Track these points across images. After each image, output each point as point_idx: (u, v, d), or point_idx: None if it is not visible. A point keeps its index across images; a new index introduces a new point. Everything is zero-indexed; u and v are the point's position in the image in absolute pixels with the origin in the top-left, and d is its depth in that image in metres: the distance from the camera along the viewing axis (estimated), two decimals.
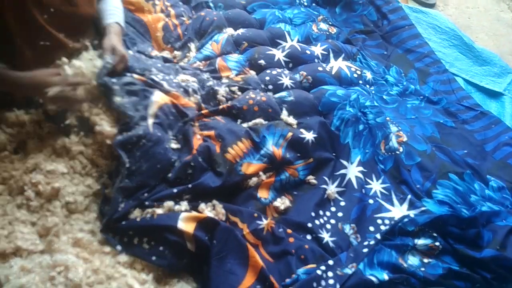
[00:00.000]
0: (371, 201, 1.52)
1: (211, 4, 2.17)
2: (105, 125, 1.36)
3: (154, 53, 1.80)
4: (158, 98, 1.47)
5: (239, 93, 1.72)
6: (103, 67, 1.43)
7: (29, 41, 1.36)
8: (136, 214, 1.28)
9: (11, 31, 1.32)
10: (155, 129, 1.39)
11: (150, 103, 1.44)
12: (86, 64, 1.41)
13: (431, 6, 3.02)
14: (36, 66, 1.32)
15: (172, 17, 1.98)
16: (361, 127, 1.68)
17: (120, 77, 1.47)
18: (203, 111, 1.62)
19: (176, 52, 1.91)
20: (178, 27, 1.96)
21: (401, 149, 1.65)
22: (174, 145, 1.44)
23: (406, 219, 1.44)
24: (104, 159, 1.40)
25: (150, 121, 1.40)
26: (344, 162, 1.61)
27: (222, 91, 1.69)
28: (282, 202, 1.44)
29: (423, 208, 1.50)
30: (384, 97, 1.94)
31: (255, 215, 1.35)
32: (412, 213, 1.48)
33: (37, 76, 1.28)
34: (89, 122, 1.39)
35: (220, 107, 1.63)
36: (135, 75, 1.52)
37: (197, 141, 1.49)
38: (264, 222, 1.34)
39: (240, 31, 2.02)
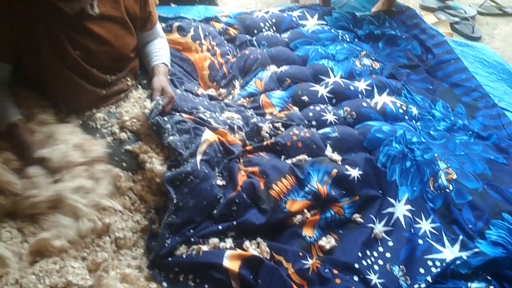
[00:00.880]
0: (420, 241, 1.47)
1: (255, 42, 2.23)
2: (156, 163, 1.40)
3: (200, 91, 1.86)
4: (208, 136, 1.51)
5: (282, 129, 1.73)
6: (154, 107, 1.50)
7: (63, 71, 1.44)
8: (182, 250, 1.30)
9: (46, 61, 1.41)
10: (202, 166, 1.42)
11: (201, 141, 1.47)
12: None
13: (477, 39, 2.97)
14: (67, 92, 1.46)
15: (218, 55, 2.04)
16: (408, 164, 1.65)
17: (171, 116, 1.53)
18: (247, 148, 1.64)
19: (221, 90, 1.95)
20: (223, 65, 2.02)
21: (451, 187, 1.59)
22: (219, 181, 1.46)
23: (458, 261, 1.38)
24: (153, 195, 1.43)
25: (198, 158, 1.43)
26: (392, 200, 1.56)
27: (266, 127, 1.70)
28: (328, 241, 1.41)
29: (476, 250, 1.43)
30: (431, 132, 1.90)
31: (300, 254, 1.33)
32: (464, 255, 1.41)
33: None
34: (138, 159, 1.44)
35: (264, 143, 1.65)
36: (184, 114, 1.57)
37: (241, 178, 1.50)
38: (310, 262, 1.31)
39: (283, 68, 2.05)
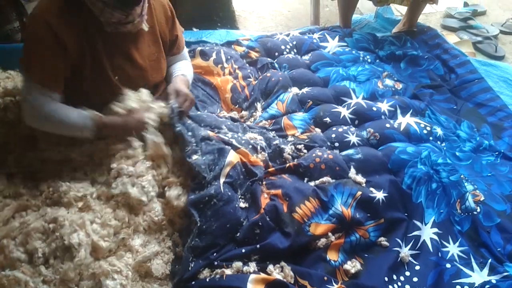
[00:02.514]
0: (448, 265, 1.43)
1: (276, 65, 2.25)
2: (173, 190, 1.42)
3: (222, 113, 1.88)
4: (232, 158, 1.50)
5: (305, 151, 1.72)
6: (171, 112, 1.53)
7: (101, 93, 1.51)
8: (206, 274, 1.29)
9: (87, 84, 1.47)
10: (225, 188, 1.42)
11: (225, 164, 1.47)
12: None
13: (500, 58, 2.94)
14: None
15: (240, 79, 2.06)
16: (434, 185, 1.61)
17: (197, 129, 1.54)
18: (269, 169, 1.63)
19: (243, 112, 1.97)
20: (245, 88, 2.04)
21: (478, 209, 1.56)
22: (242, 204, 1.46)
23: (487, 286, 1.34)
24: (179, 218, 1.43)
25: (222, 180, 1.44)
26: (418, 223, 1.53)
27: (288, 149, 1.70)
28: (353, 265, 1.38)
29: (505, 274, 1.40)
30: (457, 153, 1.87)
31: (325, 278, 1.31)
32: (494, 279, 1.38)
33: (128, 120, 1.47)
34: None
35: (287, 165, 1.64)
36: (210, 132, 1.59)
37: (264, 200, 1.49)
38: (335, 286, 1.29)
39: (305, 90, 2.06)
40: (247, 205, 1.47)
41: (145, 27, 1.51)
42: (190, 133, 1.53)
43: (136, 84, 1.58)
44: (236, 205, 1.42)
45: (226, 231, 1.37)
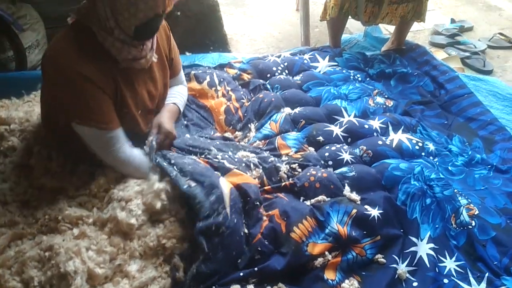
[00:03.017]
0: (446, 280, 1.43)
1: (268, 86, 2.27)
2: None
3: (216, 135, 1.89)
4: (225, 186, 1.47)
5: (299, 170, 1.73)
6: (149, 147, 1.55)
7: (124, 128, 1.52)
8: None
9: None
10: (232, 215, 1.40)
11: (224, 193, 1.44)
12: None
13: (489, 73, 2.98)
14: None
15: (233, 100, 2.08)
16: (428, 201, 1.62)
17: (181, 158, 1.54)
18: (265, 187, 1.63)
19: (237, 133, 1.99)
20: (239, 110, 2.06)
21: (473, 223, 1.56)
22: (245, 229, 1.45)
23: None
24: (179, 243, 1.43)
25: (228, 208, 1.41)
26: (414, 239, 1.53)
27: (283, 167, 1.70)
28: (351, 284, 1.38)
29: (503, 287, 1.40)
30: (450, 168, 1.88)
31: None
32: None
33: None
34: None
35: (282, 184, 1.65)
36: (195, 157, 1.59)
37: (263, 223, 1.48)
38: None
39: (297, 109, 2.08)
40: (247, 230, 1.45)
41: (155, 58, 1.55)
42: (172, 161, 1.52)
43: (152, 114, 1.63)
44: (242, 233, 1.41)
45: (231, 259, 1.37)
